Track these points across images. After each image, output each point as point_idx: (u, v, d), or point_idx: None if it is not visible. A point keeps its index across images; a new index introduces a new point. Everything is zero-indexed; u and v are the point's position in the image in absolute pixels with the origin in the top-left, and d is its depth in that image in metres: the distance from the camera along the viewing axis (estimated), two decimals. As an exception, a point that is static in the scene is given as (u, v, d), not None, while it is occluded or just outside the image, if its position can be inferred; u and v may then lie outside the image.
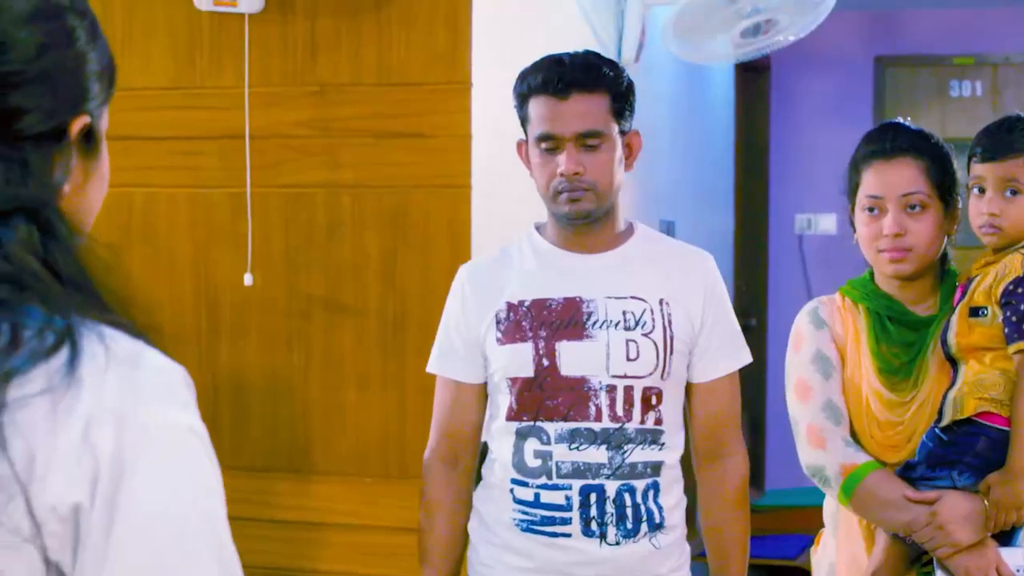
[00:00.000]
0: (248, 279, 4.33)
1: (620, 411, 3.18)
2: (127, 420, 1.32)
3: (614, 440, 3.17)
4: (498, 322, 3.26)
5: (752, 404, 7.80)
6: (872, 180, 3.25)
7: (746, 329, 9.12)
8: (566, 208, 3.20)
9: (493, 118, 4.30)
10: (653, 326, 3.21)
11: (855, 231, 3.33)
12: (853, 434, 3.26)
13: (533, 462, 3.21)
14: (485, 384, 3.34)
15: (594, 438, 3.17)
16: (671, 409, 3.24)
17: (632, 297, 3.23)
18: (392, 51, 4.25)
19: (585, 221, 3.23)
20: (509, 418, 3.24)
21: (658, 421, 3.21)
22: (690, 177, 7.38)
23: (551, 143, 3.21)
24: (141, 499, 1.32)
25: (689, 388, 3.32)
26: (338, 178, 4.31)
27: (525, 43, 4.57)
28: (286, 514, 4.37)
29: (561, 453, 3.18)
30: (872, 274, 3.35)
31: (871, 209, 3.24)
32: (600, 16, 5.15)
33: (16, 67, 1.40)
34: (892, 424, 3.23)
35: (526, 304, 3.24)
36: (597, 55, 3.28)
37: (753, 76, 8.93)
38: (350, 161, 4.30)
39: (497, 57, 4.37)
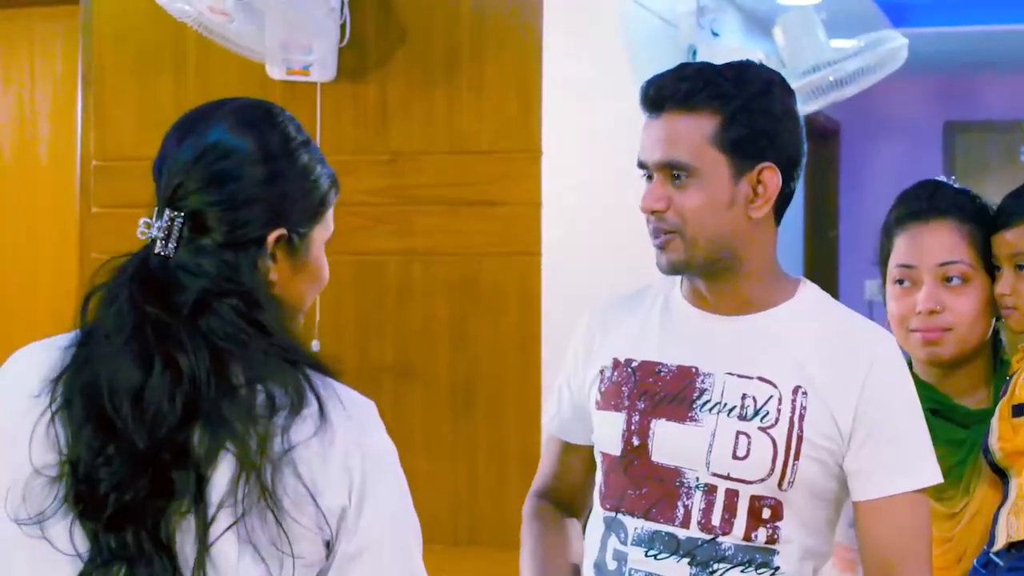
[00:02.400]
0: (315, 345, 4.35)
1: (716, 519, 2.44)
2: (366, 448, 1.95)
3: (700, 555, 2.44)
4: (601, 381, 2.60)
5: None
6: (904, 247, 2.76)
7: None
8: (657, 256, 2.51)
9: (563, 186, 4.31)
10: (777, 419, 2.43)
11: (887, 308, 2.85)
12: None
13: (611, 564, 2.54)
14: None
15: (676, 547, 2.46)
16: (800, 528, 2.45)
17: (759, 378, 2.45)
18: (463, 119, 4.28)
19: (682, 274, 2.54)
20: (600, 502, 2.59)
21: (772, 540, 2.43)
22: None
23: (644, 171, 2.51)
24: (378, 498, 1.94)
25: (854, 508, 2.50)
26: (409, 245, 4.33)
27: (596, 111, 4.60)
28: (356, 580, 4.37)
29: (636, 559, 2.49)
30: (911, 362, 2.78)
31: (901, 281, 2.76)
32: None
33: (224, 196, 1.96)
34: (939, 540, 2.64)
35: (634, 364, 2.55)
36: (739, 65, 2.53)
37: (823, 141, 8.93)
38: (421, 229, 4.32)
39: (568, 125, 4.39)
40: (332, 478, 1.91)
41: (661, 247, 2.47)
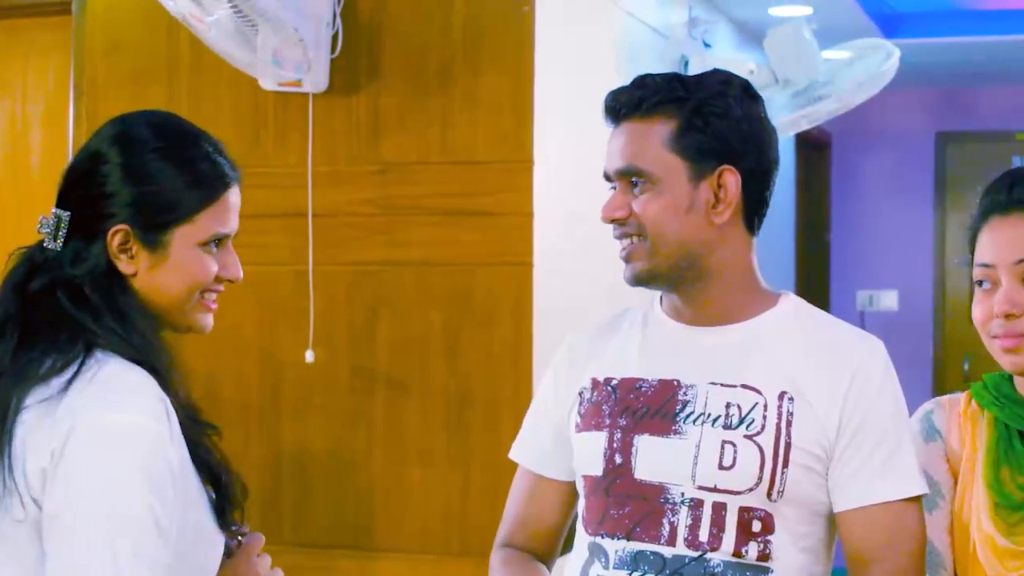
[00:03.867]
0: (309, 356, 4.36)
1: (703, 535, 2.34)
2: (82, 419, 2.01)
3: (688, 573, 2.33)
4: (581, 403, 2.52)
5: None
6: (984, 244, 2.40)
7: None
8: (624, 270, 2.46)
9: (555, 196, 4.32)
10: (763, 427, 2.35)
11: None
12: None
13: None
14: (575, 484, 2.57)
15: (661, 567, 2.35)
16: (793, 544, 2.37)
17: (743, 386, 2.38)
18: (455, 130, 4.29)
19: (648, 286, 2.47)
20: (583, 529, 2.49)
21: (764, 556, 2.34)
22: (751, 254, 7.37)
23: (609, 183, 2.48)
24: (75, 468, 2.00)
25: (836, 520, 2.42)
26: (402, 256, 4.34)
27: (588, 122, 4.59)
28: (348, 591, 4.38)
29: None
30: (1012, 377, 2.46)
31: (981, 282, 2.40)
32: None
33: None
34: None
35: (613, 383, 2.48)
36: (702, 73, 2.50)
37: (814, 152, 8.93)
38: (414, 239, 4.32)
39: (560, 136, 4.39)
40: (40, 440, 2.02)
41: (626, 257, 2.43)
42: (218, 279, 2.27)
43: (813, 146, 8.80)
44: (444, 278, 4.29)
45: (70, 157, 4.66)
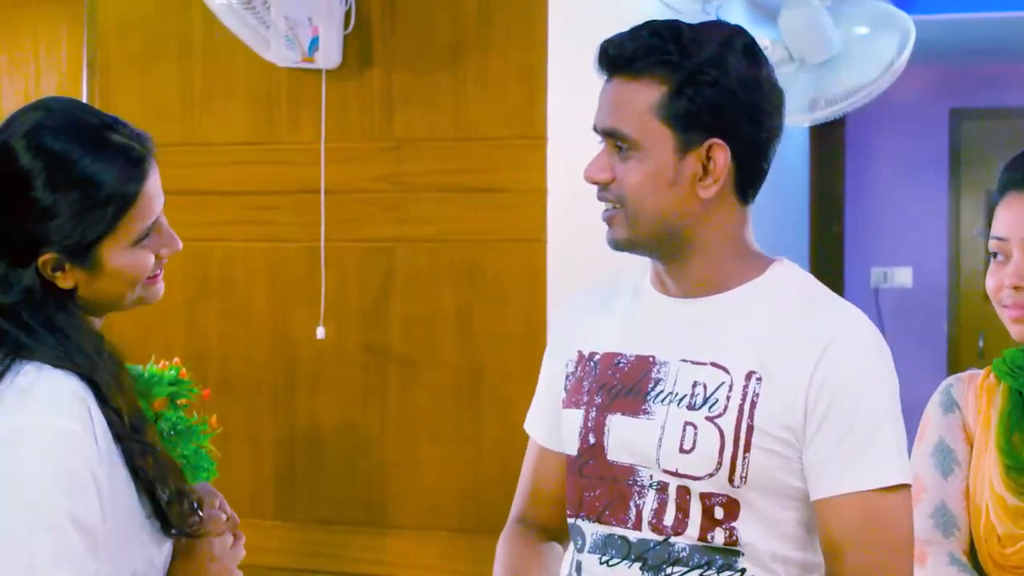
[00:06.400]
0: (320, 332, 4.36)
1: (668, 519, 2.21)
2: (8, 420, 2.02)
3: (652, 557, 2.22)
4: (568, 377, 2.41)
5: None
6: (1000, 217, 2.49)
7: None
8: (606, 233, 2.34)
9: (568, 172, 4.31)
10: (725, 408, 2.19)
11: None
12: (975, 551, 2.51)
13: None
14: None
15: (627, 551, 2.25)
16: (764, 531, 2.21)
17: (712, 364, 2.22)
18: (468, 106, 4.28)
19: (628, 252, 2.34)
20: (567, 509, 2.40)
21: (731, 541, 2.19)
22: (765, 232, 7.37)
23: (598, 135, 2.34)
24: (6, 459, 1.99)
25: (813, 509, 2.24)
26: (414, 232, 4.33)
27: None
28: (362, 567, 4.38)
29: (591, 567, 2.30)
30: None
31: (995, 254, 2.49)
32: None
33: None
34: (1013, 539, 2.42)
35: (596, 357, 2.36)
36: (701, 27, 2.27)
37: (827, 131, 8.90)
38: (426, 216, 4.32)
39: (572, 112, 4.38)
40: None
41: (607, 221, 2.31)
42: (158, 258, 2.21)
43: (826, 123, 8.78)
44: (456, 255, 4.29)
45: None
